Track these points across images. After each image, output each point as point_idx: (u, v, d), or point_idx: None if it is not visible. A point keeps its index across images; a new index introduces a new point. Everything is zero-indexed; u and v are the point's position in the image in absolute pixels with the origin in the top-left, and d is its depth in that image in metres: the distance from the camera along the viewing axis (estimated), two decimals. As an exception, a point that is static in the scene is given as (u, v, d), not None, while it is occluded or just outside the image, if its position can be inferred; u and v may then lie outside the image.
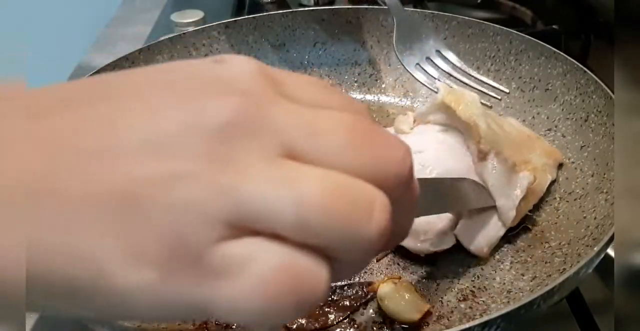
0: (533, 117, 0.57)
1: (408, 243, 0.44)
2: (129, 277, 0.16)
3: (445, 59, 0.58)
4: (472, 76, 0.57)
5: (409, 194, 0.20)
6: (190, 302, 0.17)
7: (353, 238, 0.17)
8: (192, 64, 0.20)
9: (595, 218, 0.44)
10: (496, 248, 0.47)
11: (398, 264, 0.46)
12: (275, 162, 0.17)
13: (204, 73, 0.19)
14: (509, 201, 0.45)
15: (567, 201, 0.48)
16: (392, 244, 0.21)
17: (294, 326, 0.41)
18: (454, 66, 0.57)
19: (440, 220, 0.45)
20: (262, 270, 0.16)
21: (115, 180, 0.16)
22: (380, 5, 0.62)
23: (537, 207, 0.50)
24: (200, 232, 0.16)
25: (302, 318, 0.41)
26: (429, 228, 0.44)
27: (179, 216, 0.16)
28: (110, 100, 0.18)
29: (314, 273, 0.17)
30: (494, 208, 0.45)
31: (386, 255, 0.46)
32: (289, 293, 0.17)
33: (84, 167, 0.17)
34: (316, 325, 0.41)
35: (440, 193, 0.39)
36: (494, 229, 0.45)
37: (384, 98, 0.65)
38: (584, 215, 0.45)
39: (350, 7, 0.67)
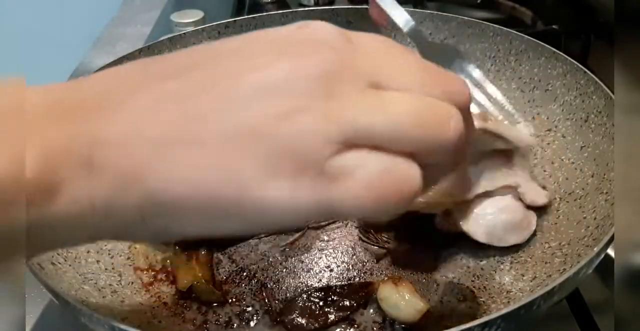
0: (533, 117, 0.57)
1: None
2: (268, 189, 0.21)
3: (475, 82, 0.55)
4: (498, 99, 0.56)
5: (469, 114, 0.26)
6: (317, 204, 0.22)
7: (438, 141, 0.23)
8: (279, 30, 0.25)
9: (595, 218, 0.44)
10: (496, 248, 0.47)
11: (398, 264, 0.46)
12: (368, 92, 0.22)
13: (295, 36, 0.24)
14: None
15: (567, 201, 0.48)
16: (465, 152, 0.26)
17: (294, 326, 0.41)
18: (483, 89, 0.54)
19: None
20: (371, 173, 0.22)
21: (246, 117, 0.21)
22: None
23: (537, 207, 0.50)
24: (318, 150, 0.21)
25: (302, 318, 0.41)
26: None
27: (301, 139, 0.21)
28: (228, 60, 0.23)
29: (410, 173, 0.22)
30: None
31: (386, 255, 0.46)
32: (393, 190, 0.22)
33: (220, 110, 0.22)
34: (316, 325, 0.41)
35: None
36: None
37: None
38: (584, 215, 0.45)
39: (350, 7, 0.67)
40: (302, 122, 0.21)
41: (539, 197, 0.47)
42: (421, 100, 0.23)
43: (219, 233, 0.24)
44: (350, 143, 0.22)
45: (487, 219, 0.45)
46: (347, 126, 0.21)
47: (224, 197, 0.22)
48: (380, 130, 0.22)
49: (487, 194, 0.46)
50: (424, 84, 0.23)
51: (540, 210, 0.49)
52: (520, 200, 0.47)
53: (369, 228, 0.49)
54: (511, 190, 0.47)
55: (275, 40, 0.24)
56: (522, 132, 0.49)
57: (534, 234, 0.47)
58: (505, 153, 0.48)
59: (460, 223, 0.46)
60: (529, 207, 0.47)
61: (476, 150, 0.46)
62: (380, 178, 0.22)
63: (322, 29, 0.24)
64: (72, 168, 0.21)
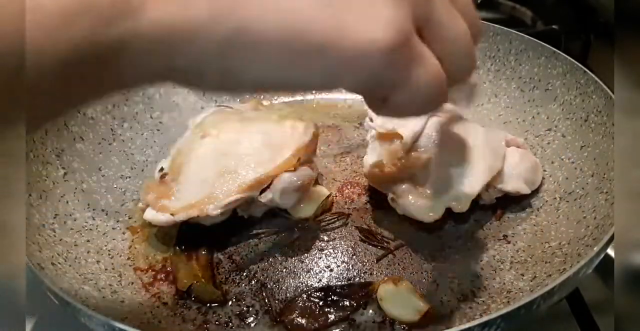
0: (533, 117, 0.57)
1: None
2: (367, 32, 0.23)
3: None
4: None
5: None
6: (386, 77, 0.25)
7: (470, 60, 0.29)
8: None
9: (595, 218, 0.44)
10: (496, 248, 0.47)
11: (398, 264, 0.46)
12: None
13: None
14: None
15: (567, 201, 0.48)
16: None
17: (294, 326, 0.41)
18: None
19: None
20: (433, 68, 0.26)
21: None
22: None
23: (537, 207, 0.50)
24: (408, 21, 0.24)
25: (302, 318, 0.41)
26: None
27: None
28: None
29: (445, 80, 0.27)
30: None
31: (386, 255, 0.46)
32: (437, 90, 0.26)
33: None
34: (316, 325, 0.41)
35: None
36: None
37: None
38: (584, 215, 0.45)
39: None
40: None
41: (520, 140, 0.53)
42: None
43: (291, 84, 0.25)
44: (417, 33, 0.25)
45: (518, 173, 0.49)
46: (424, 14, 0.25)
47: (319, 34, 0.23)
48: (440, 35, 0.26)
49: None
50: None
51: (540, 210, 0.49)
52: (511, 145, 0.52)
53: (369, 229, 0.49)
54: (507, 141, 0.51)
55: None
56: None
57: (534, 234, 0.47)
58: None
59: (502, 187, 0.49)
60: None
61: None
62: (435, 78, 0.26)
63: None
64: None
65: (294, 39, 0.23)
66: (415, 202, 0.46)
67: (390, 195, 0.48)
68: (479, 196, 0.48)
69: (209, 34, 0.22)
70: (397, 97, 0.27)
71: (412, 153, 0.47)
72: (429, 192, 0.46)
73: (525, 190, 0.49)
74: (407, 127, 0.48)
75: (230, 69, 0.24)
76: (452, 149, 0.49)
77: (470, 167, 0.47)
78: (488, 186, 0.48)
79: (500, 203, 0.50)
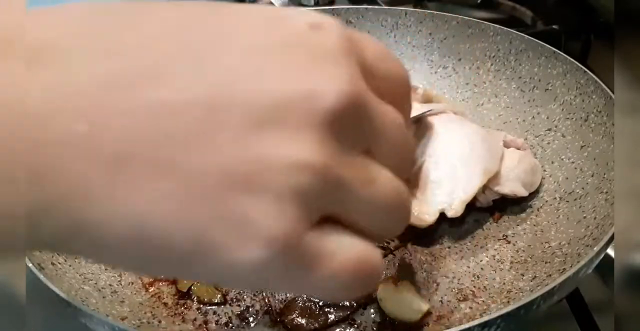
0: (533, 117, 0.57)
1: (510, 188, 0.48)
2: (243, 254, 0.17)
3: None
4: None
5: None
6: (289, 280, 0.19)
7: (401, 224, 0.22)
8: (286, 22, 0.19)
9: (595, 218, 0.44)
10: (496, 248, 0.47)
11: (398, 264, 0.46)
12: (360, 161, 0.19)
13: (304, 39, 0.19)
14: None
15: (567, 201, 0.48)
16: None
17: (294, 326, 0.41)
18: None
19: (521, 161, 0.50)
20: (347, 259, 0.19)
21: (225, 161, 0.17)
22: (381, 5, 0.62)
23: (537, 207, 0.50)
24: (300, 223, 0.17)
25: (302, 318, 0.41)
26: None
27: (283, 209, 0.17)
28: (206, 52, 0.18)
29: (379, 261, 0.20)
30: None
31: (386, 255, 0.46)
32: (362, 277, 0.19)
33: (194, 143, 0.17)
34: (316, 325, 0.41)
35: None
36: None
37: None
38: (584, 215, 0.45)
39: (350, 7, 0.67)
40: (295, 181, 0.18)
41: (520, 141, 0.52)
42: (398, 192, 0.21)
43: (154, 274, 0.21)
44: (329, 221, 0.19)
45: (515, 175, 0.49)
46: (335, 195, 0.19)
47: (182, 252, 0.17)
48: (359, 216, 0.20)
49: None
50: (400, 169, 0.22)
51: (540, 210, 0.49)
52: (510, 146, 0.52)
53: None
54: (506, 142, 0.51)
55: (279, 39, 0.19)
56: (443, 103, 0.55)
57: (534, 234, 0.47)
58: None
59: (499, 190, 0.48)
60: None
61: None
62: (355, 267, 0.19)
63: (336, 36, 0.19)
64: None
65: (157, 249, 0.17)
66: None
67: None
68: (475, 199, 0.47)
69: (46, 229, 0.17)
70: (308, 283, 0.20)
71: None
72: (421, 196, 0.46)
73: (523, 192, 0.49)
74: None
75: (83, 255, 0.19)
76: (447, 151, 0.48)
77: (465, 170, 0.47)
78: (484, 188, 0.48)
79: (498, 206, 0.50)
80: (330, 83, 0.18)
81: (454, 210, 0.45)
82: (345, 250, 0.19)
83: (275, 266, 0.18)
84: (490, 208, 0.50)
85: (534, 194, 0.51)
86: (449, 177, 0.47)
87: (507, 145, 0.51)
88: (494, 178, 0.48)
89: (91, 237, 0.17)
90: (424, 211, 0.46)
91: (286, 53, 0.18)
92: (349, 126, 0.18)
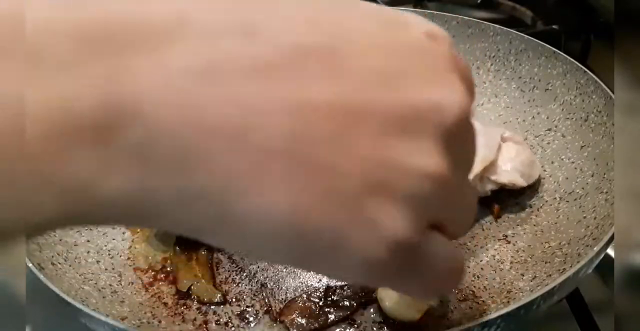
0: (533, 117, 0.57)
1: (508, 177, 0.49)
2: (371, 253, 0.18)
3: None
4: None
5: None
6: (400, 280, 0.21)
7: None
8: (406, 28, 0.20)
9: (595, 218, 0.44)
10: (496, 248, 0.47)
11: (398, 264, 0.46)
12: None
13: (423, 49, 0.20)
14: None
15: (567, 201, 0.48)
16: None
17: (294, 326, 0.41)
18: None
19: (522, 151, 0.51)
20: (444, 262, 0.21)
21: (365, 165, 0.18)
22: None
23: (537, 207, 0.50)
24: (420, 223, 0.19)
25: (302, 318, 0.41)
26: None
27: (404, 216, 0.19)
28: (334, 69, 0.18)
29: (462, 255, 0.24)
30: None
31: (386, 255, 0.46)
32: (454, 277, 0.23)
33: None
34: (316, 325, 0.41)
35: None
36: None
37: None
38: (584, 215, 0.45)
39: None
40: (411, 186, 0.19)
41: (519, 137, 0.53)
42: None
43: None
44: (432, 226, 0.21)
45: (514, 165, 0.49)
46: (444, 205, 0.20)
47: (317, 248, 0.18)
48: (458, 226, 0.22)
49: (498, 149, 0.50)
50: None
51: (540, 210, 0.49)
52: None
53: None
54: (504, 138, 0.52)
55: (404, 44, 0.19)
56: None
57: (534, 234, 0.47)
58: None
59: (497, 179, 0.49)
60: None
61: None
62: (450, 267, 0.22)
63: (447, 46, 0.20)
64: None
65: (289, 236, 0.18)
66: None
67: None
68: None
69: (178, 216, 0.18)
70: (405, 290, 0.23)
71: None
72: None
73: (522, 182, 0.49)
74: None
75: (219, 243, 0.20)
76: None
77: None
78: (482, 178, 0.49)
79: (498, 199, 0.50)
80: (453, 96, 0.19)
81: None
82: (446, 252, 0.21)
83: (392, 265, 0.19)
84: (488, 201, 0.50)
85: (534, 193, 0.51)
86: None
87: (505, 140, 0.51)
88: (492, 168, 0.49)
89: (237, 229, 0.18)
90: None
91: (410, 60, 0.19)
92: (459, 141, 0.20)
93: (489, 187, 0.49)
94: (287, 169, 0.17)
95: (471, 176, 0.47)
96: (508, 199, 0.50)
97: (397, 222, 0.18)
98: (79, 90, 0.15)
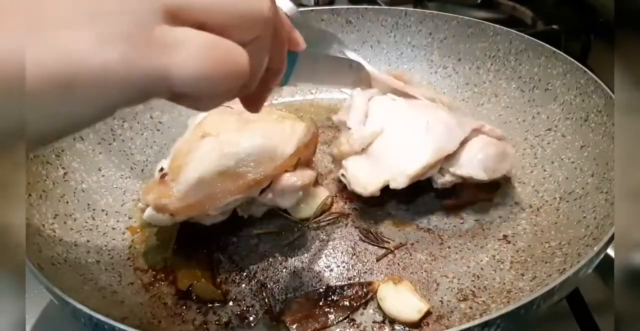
0: (533, 117, 0.57)
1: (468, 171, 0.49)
2: (100, 56, 0.22)
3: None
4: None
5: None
6: (151, 73, 0.23)
7: (253, 13, 0.26)
8: None
9: (595, 218, 0.44)
10: (496, 248, 0.47)
11: (398, 264, 0.46)
12: None
13: None
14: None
15: (567, 201, 0.48)
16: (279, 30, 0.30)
17: (294, 326, 0.41)
18: None
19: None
20: (198, 44, 0.24)
21: None
22: (381, 5, 0.62)
23: (537, 207, 0.50)
24: (147, 17, 0.23)
25: (302, 318, 0.41)
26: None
27: (130, 10, 0.23)
28: None
29: (234, 49, 0.25)
30: None
31: (386, 255, 0.46)
32: (220, 62, 0.24)
33: None
34: (316, 325, 0.41)
35: (321, 67, 0.46)
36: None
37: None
38: (584, 215, 0.45)
39: (350, 7, 0.67)
40: None
41: (500, 130, 0.52)
42: None
43: (65, 124, 0.23)
44: (177, 19, 0.24)
45: (478, 158, 0.49)
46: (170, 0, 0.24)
47: (61, 73, 0.22)
48: (201, 5, 0.25)
49: (464, 141, 0.50)
50: None
51: (540, 210, 0.49)
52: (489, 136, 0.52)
53: (369, 229, 0.49)
54: (478, 131, 0.51)
55: None
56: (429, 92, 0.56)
57: (534, 234, 0.47)
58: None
59: (456, 171, 0.49)
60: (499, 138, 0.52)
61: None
62: (209, 51, 0.24)
63: None
64: None
65: (41, 80, 0.21)
66: (356, 175, 0.48)
67: (341, 171, 0.50)
68: (432, 179, 0.50)
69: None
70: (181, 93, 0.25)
71: (356, 132, 0.50)
72: (370, 167, 0.48)
73: (481, 176, 0.49)
74: (350, 112, 0.52)
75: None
76: (404, 129, 0.50)
77: (416, 148, 0.48)
78: (441, 169, 0.49)
79: (463, 194, 0.51)
80: None
81: (397, 182, 0.47)
82: (196, 37, 0.24)
83: (137, 51, 0.23)
84: (447, 193, 0.51)
85: (534, 193, 0.51)
86: (399, 152, 0.48)
87: (479, 133, 0.51)
88: (452, 160, 0.49)
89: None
90: (369, 181, 0.48)
91: None
92: None
93: (448, 179, 0.49)
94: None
95: (420, 165, 0.47)
96: (480, 193, 0.51)
97: (125, 19, 0.23)
98: None
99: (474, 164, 0.49)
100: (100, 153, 0.54)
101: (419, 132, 0.49)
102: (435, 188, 0.51)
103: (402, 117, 0.51)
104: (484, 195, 0.51)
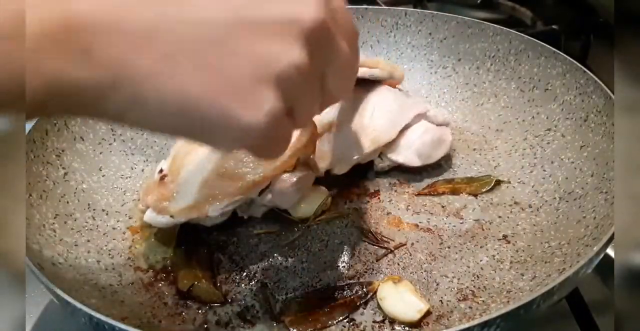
0: (533, 117, 0.57)
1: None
2: (249, 118, 0.27)
3: None
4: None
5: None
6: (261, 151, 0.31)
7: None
8: None
9: (594, 218, 0.44)
10: (496, 248, 0.47)
11: (398, 264, 0.46)
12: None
13: None
14: None
15: (567, 201, 0.48)
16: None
17: (294, 326, 0.41)
18: None
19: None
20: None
21: (245, 61, 0.26)
22: (381, 5, 0.62)
23: (537, 207, 0.50)
24: (280, 102, 0.28)
25: (302, 318, 0.41)
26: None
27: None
28: None
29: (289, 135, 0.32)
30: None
31: (386, 255, 0.46)
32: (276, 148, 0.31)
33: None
34: (316, 325, 0.41)
35: None
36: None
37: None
38: (584, 215, 0.45)
39: (350, 7, 0.67)
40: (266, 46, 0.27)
41: (446, 115, 0.55)
42: None
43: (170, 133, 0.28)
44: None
45: (415, 145, 0.53)
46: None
47: (208, 114, 0.26)
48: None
49: (405, 128, 0.53)
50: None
51: (540, 210, 0.49)
52: (432, 122, 0.54)
53: (369, 229, 0.49)
54: (422, 116, 0.54)
55: None
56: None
57: (534, 234, 0.47)
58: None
59: (392, 157, 0.53)
60: (439, 124, 0.54)
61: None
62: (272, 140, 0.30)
63: None
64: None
65: (182, 116, 0.26)
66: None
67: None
68: (373, 163, 0.53)
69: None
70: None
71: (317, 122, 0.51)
72: (317, 155, 0.50)
73: (415, 162, 0.52)
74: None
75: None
76: (351, 119, 0.52)
77: (357, 137, 0.51)
78: (381, 154, 0.53)
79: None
80: (309, 9, 0.27)
81: (337, 169, 0.51)
82: (288, 131, 0.31)
83: (266, 133, 0.27)
84: (386, 176, 0.54)
85: (534, 193, 0.51)
86: (345, 140, 0.51)
87: (420, 118, 0.53)
88: (393, 146, 0.52)
89: (146, 107, 0.25)
90: (319, 164, 0.50)
91: None
92: (318, 44, 0.28)
93: (387, 163, 0.53)
94: (192, 61, 0.25)
95: (359, 154, 0.51)
96: (414, 176, 0.54)
97: (272, 100, 0.27)
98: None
99: (410, 151, 0.52)
100: (100, 153, 0.54)
101: (361, 123, 0.52)
102: (435, 188, 0.51)
103: (354, 105, 0.53)
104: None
